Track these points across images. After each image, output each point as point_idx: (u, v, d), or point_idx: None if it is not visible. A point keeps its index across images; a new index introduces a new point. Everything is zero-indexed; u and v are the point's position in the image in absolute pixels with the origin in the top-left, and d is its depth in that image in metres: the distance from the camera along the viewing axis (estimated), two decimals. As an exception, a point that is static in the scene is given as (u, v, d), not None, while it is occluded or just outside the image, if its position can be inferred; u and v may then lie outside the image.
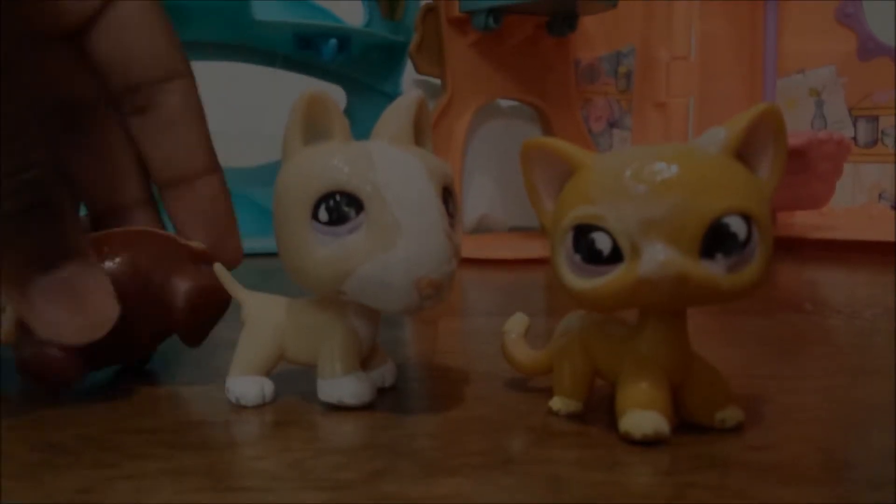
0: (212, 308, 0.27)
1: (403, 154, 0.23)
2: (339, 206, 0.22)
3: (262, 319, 0.26)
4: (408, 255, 0.21)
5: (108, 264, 0.26)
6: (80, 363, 0.25)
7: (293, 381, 0.27)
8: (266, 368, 0.25)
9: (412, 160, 0.23)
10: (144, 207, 0.29)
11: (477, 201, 0.78)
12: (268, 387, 0.25)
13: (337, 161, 0.22)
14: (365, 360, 0.26)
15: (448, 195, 0.23)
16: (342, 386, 0.24)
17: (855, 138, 0.81)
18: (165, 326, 0.27)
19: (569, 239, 0.21)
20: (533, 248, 0.64)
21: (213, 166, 0.28)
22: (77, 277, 0.23)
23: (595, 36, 0.80)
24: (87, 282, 0.23)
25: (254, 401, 0.25)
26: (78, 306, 0.23)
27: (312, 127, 0.23)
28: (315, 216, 0.22)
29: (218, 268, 0.27)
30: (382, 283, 0.22)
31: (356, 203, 0.22)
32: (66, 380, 0.25)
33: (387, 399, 0.25)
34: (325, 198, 0.22)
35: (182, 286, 0.27)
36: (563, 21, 0.70)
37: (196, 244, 0.28)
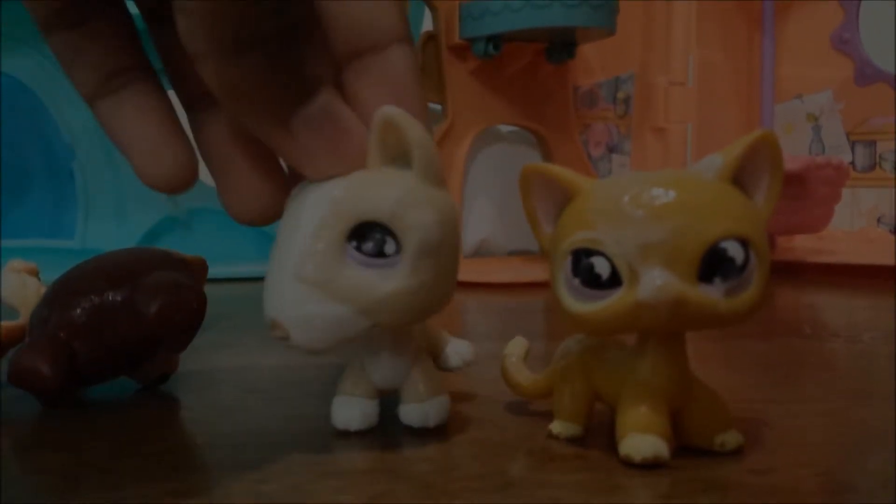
0: (186, 314, 0.27)
1: (325, 186, 0.21)
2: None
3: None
4: (265, 291, 0.22)
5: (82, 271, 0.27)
6: (66, 377, 0.26)
7: (302, 402, 0.27)
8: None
9: (317, 194, 0.21)
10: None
11: (477, 225, 0.79)
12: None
13: (298, 187, 0.23)
14: (396, 391, 0.24)
15: (368, 233, 0.21)
16: (335, 407, 0.24)
17: (853, 163, 0.81)
18: (141, 335, 0.27)
19: (568, 263, 0.21)
20: (532, 272, 0.64)
21: (405, 34, 0.23)
22: (331, 106, 0.21)
23: (594, 62, 0.81)
24: (341, 110, 0.21)
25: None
26: (337, 137, 0.21)
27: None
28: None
29: None
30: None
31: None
32: (52, 392, 0.26)
33: (388, 423, 0.25)
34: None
35: (152, 292, 0.27)
36: (562, 48, 0.71)
37: (178, 253, 0.29)
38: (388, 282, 0.21)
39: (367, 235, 0.21)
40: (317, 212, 0.21)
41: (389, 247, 0.21)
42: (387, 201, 0.21)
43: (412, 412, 0.24)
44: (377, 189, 0.21)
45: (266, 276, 0.22)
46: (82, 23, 0.22)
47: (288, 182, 0.23)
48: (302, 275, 0.21)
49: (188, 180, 0.23)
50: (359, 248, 0.21)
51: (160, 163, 0.22)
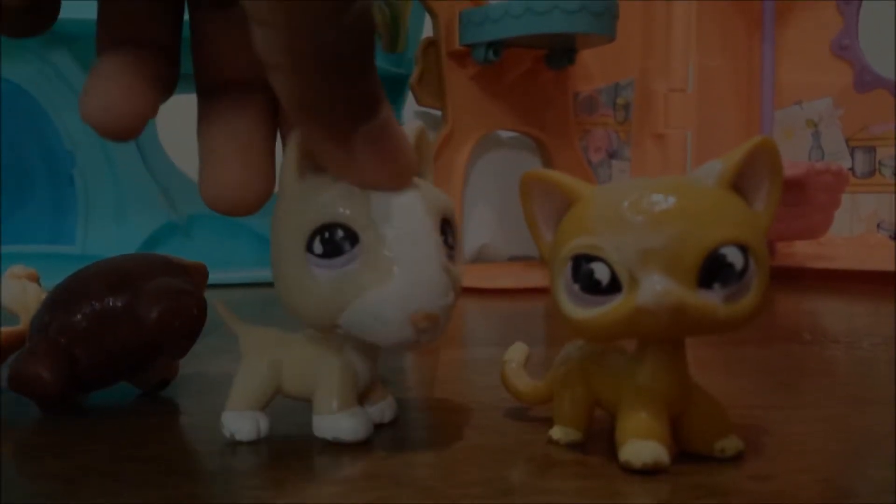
0: (186, 320, 0.27)
1: (408, 187, 0.23)
2: (334, 239, 0.22)
3: (258, 354, 0.25)
4: (403, 288, 0.21)
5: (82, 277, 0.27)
6: (67, 382, 0.26)
7: (291, 413, 0.27)
8: (262, 403, 0.25)
9: (409, 192, 0.22)
10: None
11: (477, 231, 0.79)
12: (263, 422, 0.25)
13: (332, 193, 0.22)
14: (364, 395, 0.25)
15: (447, 227, 0.23)
16: (338, 422, 0.24)
17: (852, 169, 0.81)
18: (141, 340, 0.27)
19: (568, 269, 0.21)
20: (533, 278, 0.64)
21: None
22: (389, 122, 0.21)
23: (594, 68, 0.81)
24: (396, 125, 0.22)
25: (248, 436, 0.24)
26: (394, 152, 0.22)
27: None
28: (310, 248, 0.22)
29: (220, 305, 0.27)
30: (377, 317, 0.21)
31: (351, 236, 0.22)
32: (52, 398, 0.26)
33: (387, 429, 0.25)
34: (321, 230, 0.22)
35: (153, 298, 0.27)
36: (562, 54, 0.71)
37: (178, 259, 0.29)
38: (460, 271, 0.24)
39: (447, 230, 0.23)
40: (425, 209, 0.22)
41: (455, 241, 0.24)
42: (449, 201, 0.24)
43: (388, 409, 0.26)
44: (438, 191, 0.24)
45: (392, 275, 0.21)
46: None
47: (269, 180, 0.23)
48: (444, 265, 0.22)
49: (250, 205, 0.23)
50: (445, 242, 0.23)
51: (114, 107, 0.21)
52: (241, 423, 0.25)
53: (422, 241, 0.22)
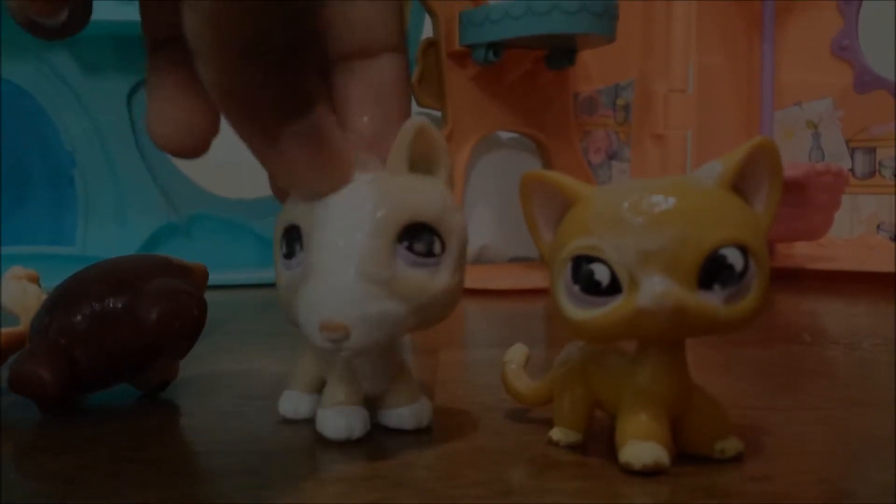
0: (187, 321, 0.27)
1: (362, 188, 0.22)
2: (291, 241, 0.22)
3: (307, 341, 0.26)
4: (311, 295, 0.21)
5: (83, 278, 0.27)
6: (67, 383, 0.26)
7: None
8: (310, 386, 0.26)
9: (360, 196, 0.21)
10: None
11: (477, 232, 0.79)
12: (303, 405, 0.26)
13: (298, 196, 0.23)
14: (379, 397, 0.25)
15: (417, 233, 0.22)
16: (326, 418, 0.24)
17: (852, 170, 0.81)
18: (141, 341, 0.27)
19: (568, 270, 0.21)
20: (533, 279, 0.64)
21: (399, 45, 0.24)
22: (321, 123, 0.21)
23: (594, 69, 0.81)
24: (329, 128, 0.21)
25: (287, 414, 0.26)
26: (323, 153, 0.21)
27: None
28: (281, 248, 0.23)
29: None
30: (300, 321, 0.22)
31: (300, 238, 0.22)
32: (52, 399, 0.26)
33: (387, 430, 0.25)
34: (286, 232, 0.23)
35: (153, 299, 0.27)
36: (561, 55, 0.71)
37: (179, 259, 0.29)
38: (436, 280, 0.22)
39: (418, 236, 0.21)
40: (368, 212, 0.21)
41: (437, 247, 0.22)
42: (434, 204, 0.22)
43: (406, 415, 0.25)
44: (422, 192, 0.22)
45: (310, 281, 0.21)
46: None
47: (215, 120, 0.23)
48: (366, 274, 0.21)
49: (196, 147, 0.23)
50: (410, 248, 0.21)
51: (169, 122, 0.22)
52: (285, 401, 0.27)
53: (341, 246, 0.21)
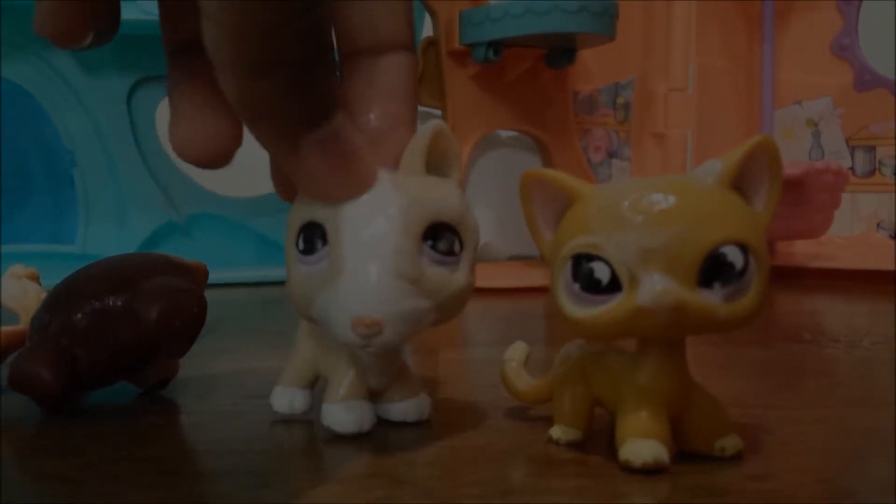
0: (187, 319, 0.27)
1: (387, 187, 0.22)
2: (311, 237, 0.22)
3: (305, 337, 0.27)
4: (344, 292, 0.21)
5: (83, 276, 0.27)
6: (67, 382, 0.26)
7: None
8: (304, 382, 0.27)
9: (386, 194, 0.22)
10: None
11: (477, 231, 0.79)
12: (298, 400, 0.26)
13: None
14: (383, 391, 0.25)
15: (439, 233, 0.22)
16: (335, 412, 0.24)
17: (852, 168, 0.81)
18: (141, 340, 0.27)
19: (568, 268, 0.21)
20: (533, 277, 0.64)
21: (408, 43, 0.24)
22: (342, 130, 0.21)
23: (594, 68, 0.81)
24: (350, 134, 0.21)
25: (281, 410, 0.26)
26: (345, 160, 0.21)
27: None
28: (297, 244, 0.23)
29: None
30: (326, 317, 0.22)
31: (323, 235, 0.22)
32: (52, 397, 0.26)
33: (387, 428, 0.25)
34: (304, 228, 0.23)
35: (153, 298, 0.27)
36: (562, 54, 0.71)
37: (179, 258, 0.29)
38: (456, 278, 0.23)
39: (441, 235, 0.22)
40: (397, 211, 0.22)
41: (457, 246, 0.23)
42: (455, 204, 0.23)
43: (410, 408, 0.26)
44: (442, 193, 0.23)
45: (340, 278, 0.21)
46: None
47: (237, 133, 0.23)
48: (399, 271, 0.21)
49: (219, 159, 0.23)
50: (434, 247, 0.22)
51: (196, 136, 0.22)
52: (279, 397, 0.27)
53: (374, 244, 0.21)
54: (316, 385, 0.27)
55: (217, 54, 0.19)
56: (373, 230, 0.21)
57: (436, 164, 0.23)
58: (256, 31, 0.18)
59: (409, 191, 0.22)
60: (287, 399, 0.26)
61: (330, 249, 0.22)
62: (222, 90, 0.20)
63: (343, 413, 0.24)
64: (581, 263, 0.20)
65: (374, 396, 0.25)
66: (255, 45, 0.19)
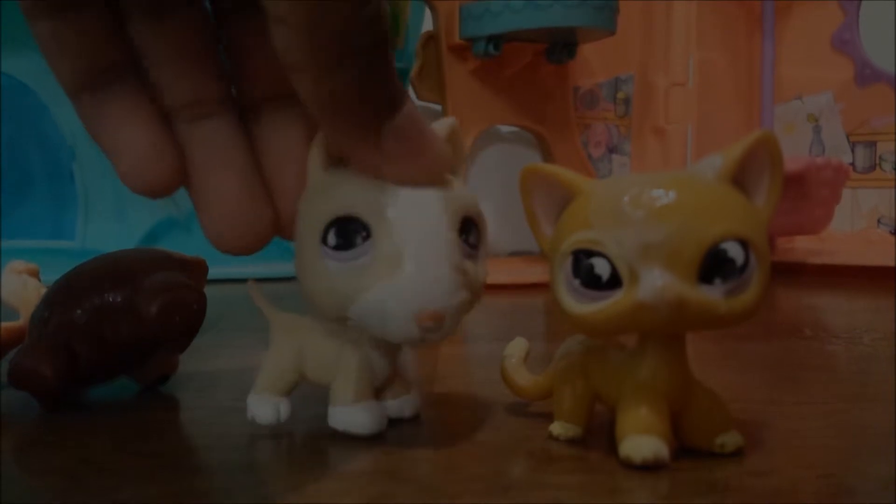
0: (186, 315, 0.27)
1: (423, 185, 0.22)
2: (348, 232, 0.22)
3: (285, 340, 0.26)
4: (409, 285, 0.21)
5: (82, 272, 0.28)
6: (67, 378, 0.26)
7: (301, 404, 0.27)
8: (284, 388, 0.25)
9: (425, 188, 0.22)
10: None
11: (477, 226, 0.79)
12: (283, 407, 0.25)
13: (350, 187, 0.22)
14: (382, 389, 0.25)
15: (470, 226, 0.23)
16: (351, 415, 0.24)
17: (853, 164, 0.81)
18: (141, 335, 0.27)
19: (568, 264, 0.21)
20: (533, 273, 0.64)
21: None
22: (415, 115, 0.21)
23: (594, 63, 0.81)
24: (422, 120, 0.22)
25: (267, 420, 0.25)
26: (424, 142, 0.22)
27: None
28: (325, 240, 0.22)
29: (253, 289, 0.27)
30: (383, 312, 0.21)
31: (364, 230, 0.22)
32: (52, 393, 0.26)
33: (389, 425, 0.25)
34: (336, 223, 0.22)
35: (153, 293, 0.27)
36: (562, 48, 0.71)
37: (178, 254, 0.29)
38: (481, 269, 0.23)
39: (470, 229, 0.23)
40: (444, 206, 0.22)
41: (479, 239, 0.23)
42: (474, 199, 0.23)
43: (406, 404, 0.26)
44: (463, 189, 0.23)
45: (400, 272, 0.21)
46: (67, 11, 0.21)
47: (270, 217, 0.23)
48: (456, 265, 0.22)
49: (174, 186, 0.22)
50: (466, 241, 0.23)
51: (148, 169, 0.22)
52: (262, 407, 0.25)
53: (432, 238, 0.22)
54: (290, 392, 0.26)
55: (291, 55, 0.19)
56: (427, 224, 0.22)
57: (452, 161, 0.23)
58: (327, 27, 0.18)
59: (440, 186, 0.22)
60: (271, 409, 0.25)
61: (375, 244, 0.21)
62: (299, 92, 0.20)
63: (360, 415, 0.24)
64: (581, 259, 0.20)
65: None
66: (330, 39, 0.19)
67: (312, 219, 0.22)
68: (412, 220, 0.22)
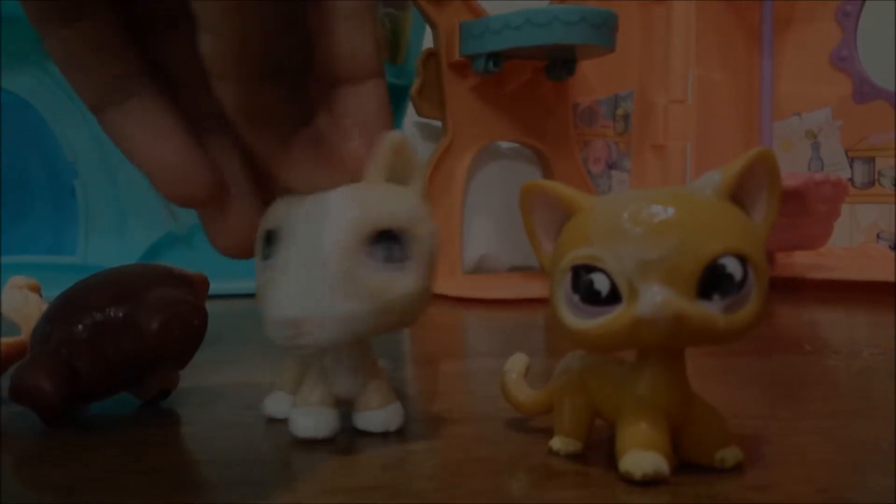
0: (187, 330, 0.28)
1: (336, 194, 0.23)
2: (269, 243, 0.23)
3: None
4: (276, 292, 0.22)
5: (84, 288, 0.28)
6: (68, 393, 0.26)
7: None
8: (295, 388, 0.27)
9: (335, 201, 0.23)
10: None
11: (477, 241, 0.79)
12: (287, 404, 0.27)
13: (282, 201, 0.24)
14: (356, 400, 0.26)
15: (390, 239, 0.23)
16: (293, 417, 0.25)
17: (852, 179, 0.81)
18: (142, 351, 0.27)
19: (567, 279, 0.21)
20: (533, 288, 0.64)
21: (380, 70, 0.25)
22: (327, 129, 0.23)
23: (593, 79, 0.81)
24: (333, 133, 0.23)
25: (271, 413, 0.27)
26: (332, 154, 0.23)
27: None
28: (262, 251, 0.24)
29: None
30: (264, 317, 0.23)
31: (276, 240, 0.23)
32: (53, 409, 0.26)
33: (387, 440, 0.25)
34: (267, 234, 0.24)
35: (154, 309, 0.27)
36: (561, 65, 0.71)
37: (180, 269, 0.30)
38: (400, 284, 0.23)
39: (385, 242, 0.23)
40: (338, 215, 0.22)
41: (401, 253, 0.23)
42: (404, 212, 0.23)
43: (374, 418, 0.26)
44: (393, 201, 0.23)
45: (276, 280, 0.22)
46: (79, 20, 0.22)
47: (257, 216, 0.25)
48: (331, 273, 0.22)
49: (215, 193, 0.24)
50: (376, 253, 0.22)
51: (185, 181, 0.23)
52: (271, 402, 0.28)
53: (320, 247, 0.22)
54: None
55: (217, 64, 0.20)
56: (310, 233, 0.22)
57: (398, 173, 0.24)
58: (258, 40, 0.19)
59: (360, 198, 0.23)
60: (277, 403, 0.27)
61: (278, 253, 0.23)
62: (220, 100, 0.21)
63: (302, 418, 0.25)
64: (581, 275, 0.20)
65: (347, 405, 0.26)
66: (258, 54, 0.20)
67: (259, 234, 0.24)
68: (306, 229, 0.22)
